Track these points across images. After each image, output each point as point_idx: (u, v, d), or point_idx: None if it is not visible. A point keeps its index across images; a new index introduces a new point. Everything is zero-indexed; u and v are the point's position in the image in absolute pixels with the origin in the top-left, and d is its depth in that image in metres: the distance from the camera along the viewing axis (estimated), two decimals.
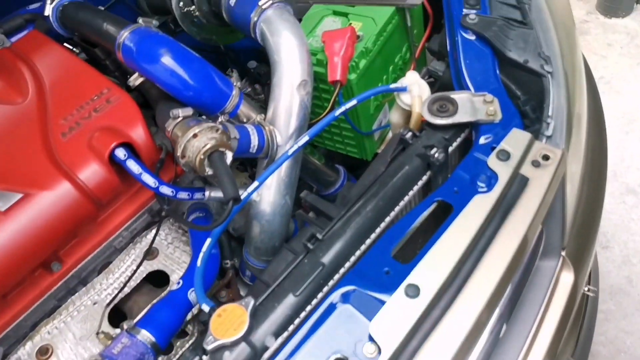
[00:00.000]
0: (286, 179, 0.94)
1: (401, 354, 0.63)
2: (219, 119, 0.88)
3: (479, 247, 0.71)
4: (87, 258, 0.93)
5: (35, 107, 0.94)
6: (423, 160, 0.84)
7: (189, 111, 0.85)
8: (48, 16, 1.09)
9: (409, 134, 0.87)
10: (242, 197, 0.82)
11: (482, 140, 0.83)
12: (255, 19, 0.96)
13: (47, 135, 0.89)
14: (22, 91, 0.96)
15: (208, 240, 0.78)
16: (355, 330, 0.64)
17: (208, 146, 0.78)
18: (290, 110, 0.93)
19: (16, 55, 1.01)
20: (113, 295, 0.94)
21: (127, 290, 0.95)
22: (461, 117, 0.85)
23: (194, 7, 1.08)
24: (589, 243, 1.03)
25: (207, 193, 0.91)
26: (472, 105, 0.86)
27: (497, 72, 0.93)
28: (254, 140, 0.89)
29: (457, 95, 0.87)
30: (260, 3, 0.95)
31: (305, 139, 0.87)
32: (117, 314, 0.95)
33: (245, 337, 0.66)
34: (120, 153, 0.86)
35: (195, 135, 0.79)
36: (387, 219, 0.80)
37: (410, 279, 0.66)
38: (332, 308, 0.67)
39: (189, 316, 0.91)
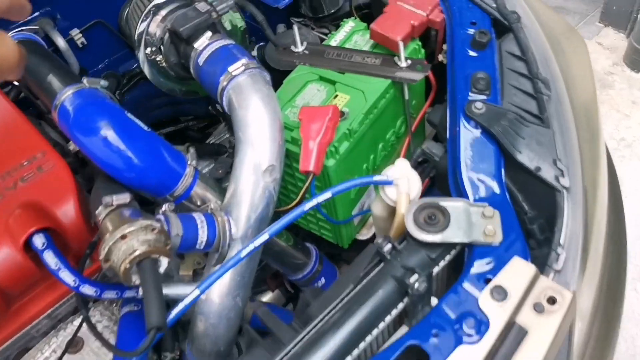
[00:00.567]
0: (238, 278, 0.79)
1: None
2: (163, 207, 0.73)
3: None
4: None
5: None
6: (400, 285, 0.68)
7: (125, 198, 0.71)
8: None
9: (388, 246, 0.72)
10: (177, 311, 0.67)
11: (476, 267, 0.68)
12: (225, 83, 0.82)
13: None
14: None
15: None
16: None
17: (137, 252, 0.63)
18: (252, 198, 0.78)
19: None
20: None
21: None
22: (453, 234, 0.70)
23: (161, 56, 0.96)
24: None
25: (140, 291, 0.76)
26: (468, 218, 0.71)
27: (503, 176, 0.78)
28: (202, 236, 0.74)
29: (451, 204, 0.72)
30: (230, 68, 0.81)
31: (264, 237, 0.71)
32: None
33: None
34: (39, 241, 0.71)
35: (123, 237, 0.64)
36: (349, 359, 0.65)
37: None
38: None
39: None
